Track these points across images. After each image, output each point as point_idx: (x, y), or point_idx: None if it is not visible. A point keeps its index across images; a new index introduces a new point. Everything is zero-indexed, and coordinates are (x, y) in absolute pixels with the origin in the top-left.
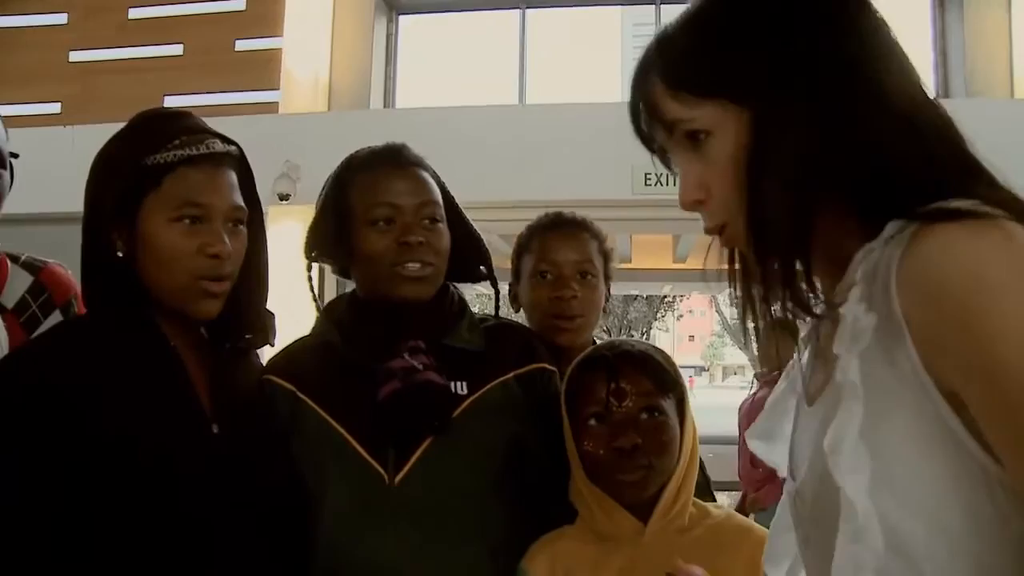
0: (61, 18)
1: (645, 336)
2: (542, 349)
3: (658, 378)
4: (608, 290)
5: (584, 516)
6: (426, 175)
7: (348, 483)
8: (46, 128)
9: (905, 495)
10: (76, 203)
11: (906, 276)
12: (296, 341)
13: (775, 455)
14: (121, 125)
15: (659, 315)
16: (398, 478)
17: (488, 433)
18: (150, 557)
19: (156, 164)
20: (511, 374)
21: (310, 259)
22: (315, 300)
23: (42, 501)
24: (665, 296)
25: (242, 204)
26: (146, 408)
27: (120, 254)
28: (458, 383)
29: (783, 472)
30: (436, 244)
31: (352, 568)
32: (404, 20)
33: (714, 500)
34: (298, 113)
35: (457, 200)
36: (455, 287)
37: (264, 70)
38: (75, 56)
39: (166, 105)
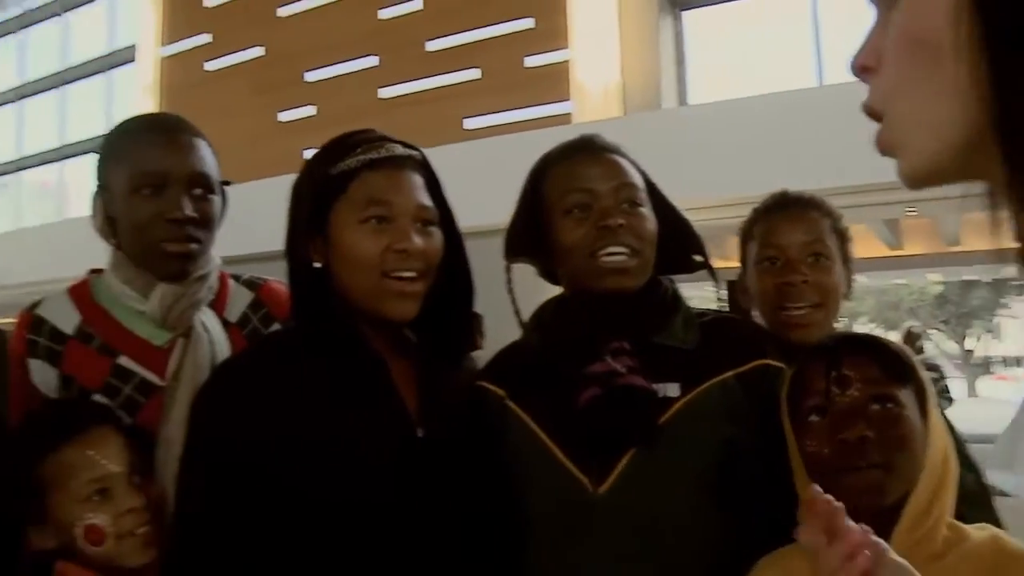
0: (373, 60)
1: (989, 324)
2: (768, 344)
3: (889, 365)
4: (850, 274)
5: None
6: (622, 160)
7: (551, 493)
8: None
9: None
10: None
11: None
12: (510, 344)
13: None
14: (428, 151)
15: (1004, 301)
16: (602, 489)
17: (701, 440)
18: (352, 558)
19: (341, 172)
20: (730, 373)
21: (509, 260)
22: (514, 303)
23: (230, 505)
24: (1011, 279)
25: (428, 204)
26: (346, 411)
27: (318, 264)
28: (669, 385)
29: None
30: (638, 228)
31: None
32: (688, 15)
33: (993, 518)
34: (592, 121)
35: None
36: (669, 280)
37: (555, 83)
38: (383, 93)
39: (465, 128)
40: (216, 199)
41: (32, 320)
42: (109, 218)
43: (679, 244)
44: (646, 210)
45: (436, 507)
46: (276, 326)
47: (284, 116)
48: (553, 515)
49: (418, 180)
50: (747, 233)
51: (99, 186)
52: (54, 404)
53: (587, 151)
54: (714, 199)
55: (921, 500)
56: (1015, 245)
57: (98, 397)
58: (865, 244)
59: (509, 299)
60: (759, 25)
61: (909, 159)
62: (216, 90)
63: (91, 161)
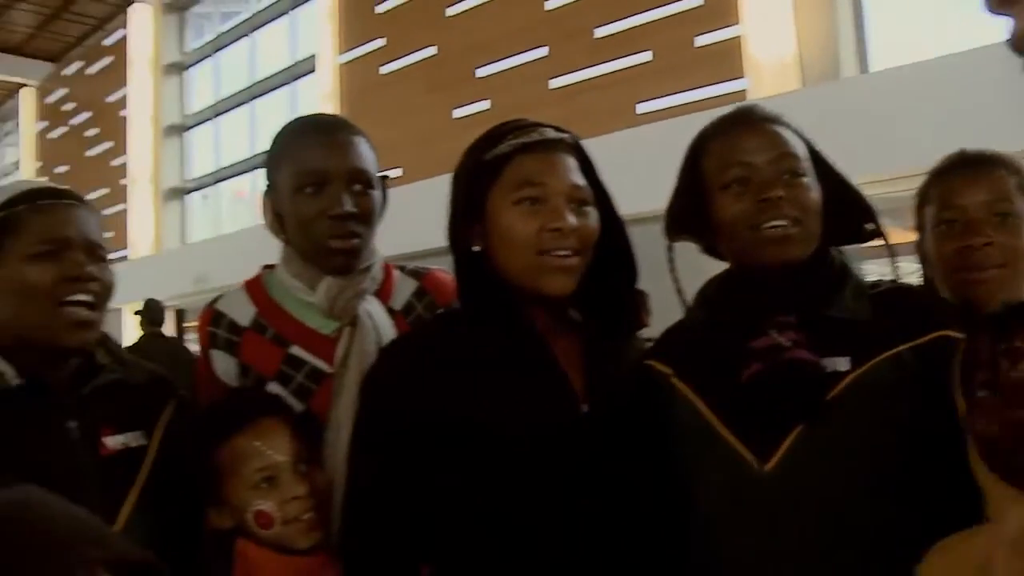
0: (543, 51)
1: None
2: (949, 314)
3: None
4: None
5: (992, 515)
6: (781, 129)
7: (717, 471)
8: None
9: None
10: None
11: None
12: (676, 323)
13: None
14: (601, 138)
15: None
16: (768, 467)
17: (872, 416)
18: (517, 532)
19: (495, 157)
20: (905, 346)
21: (671, 239)
22: (675, 282)
23: (400, 480)
24: None
25: (582, 184)
26: (509, 386)
27: (477, 248)
28: (838, 359)
29: None
30: (801, 199)
31: (722, 561)
32: None
33: None
34: (769, 96)
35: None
36: (838, 251)
37: (728, 61)
38: (554, 83)
39: (638, 112)
40: (376, 194)
41: (212, 315)
42: (277, 215)
43: (848, 213)
44: (808, 180)
45: (600, 483)
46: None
47: (458, 112)
48: (718, 494)
49: (571, 162)
50: (924, 197)
51: (268, 186)
52: (230, 395)
53: (744, 123)
54: (901, 170)
55: None
56: None
57: (273, 385)
58: None
59: (673, 280)
60: None
61: None
62: (392, 92)
63: None
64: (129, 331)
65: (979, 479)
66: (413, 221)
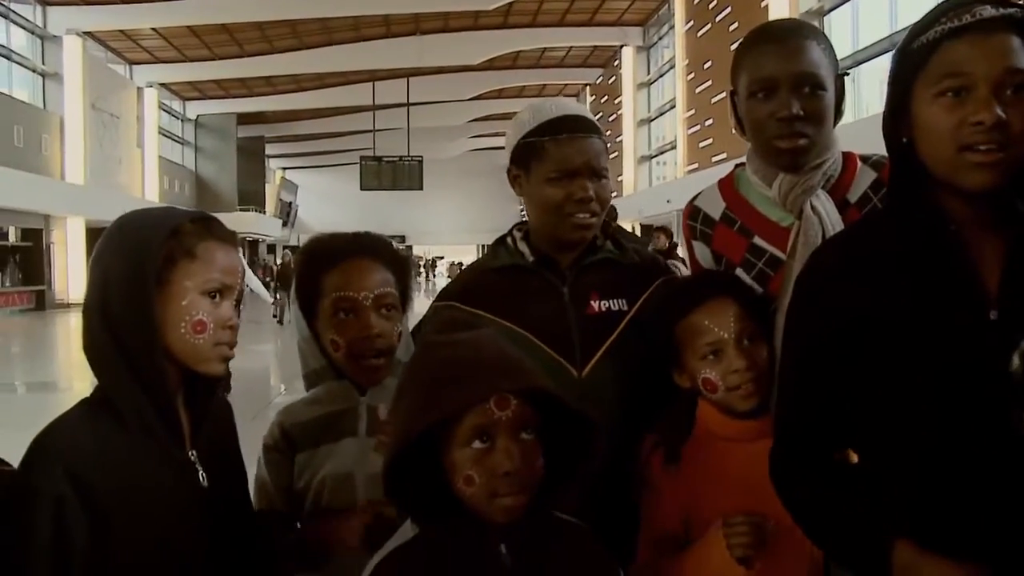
0: None
1: None
2: None
3: None
4: None
5: None
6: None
7: None
8: None
9: None
10: None
11: None
12: None
13: None
14: None
15: None
16: None
17: None
18: (923, 438)
19: (921, 45)
20: None
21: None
22: None
23: (820, 369)
24: None
25: (1020, 66)
26: (917, 287)
27: (905, 140)
28: None
29: None
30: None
31: None
32: None
33: None
34: None
35: None
36: None
37: None
38: None
39: None
40: (826, 94)
41: (692, 210)
42: (738, 119)
43: None
44: None
45: (1008, 396)
46: None
47: None
48: None
49: (1013, 42)
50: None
51: (731, 91)
52: (692, 277)
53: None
54: None
55: None
56: None
57: (739, 271)
58: None
59: None
60: None
61: None
62: None
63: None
64: None
65: None
66: None
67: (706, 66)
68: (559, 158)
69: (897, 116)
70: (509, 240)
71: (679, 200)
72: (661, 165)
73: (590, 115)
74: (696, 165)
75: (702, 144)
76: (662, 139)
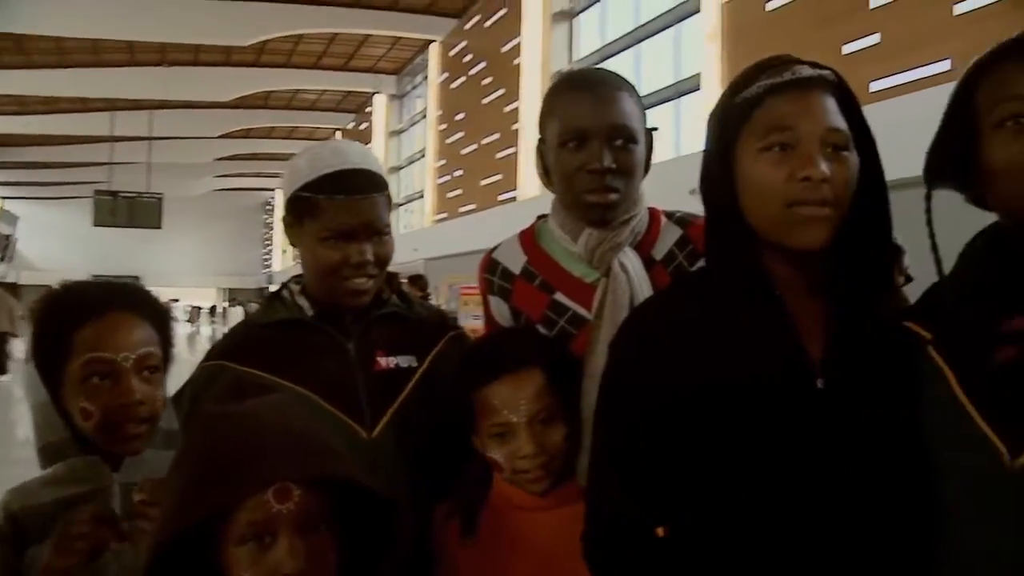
0: None
1: None
2: None
3: None
4: None
5: None
6: None
7: (963, 458)
8: (937, 89)
9: None
10: None
11: None
12: (937, 282)
13: None
14: None
15: None
16: (1019, 461)
17: None
18: (743, 505)
19: (744, 100)
20: None
21: (930, 186)
22: (931, 236)
23: (640, 440)
24: None
25: (838, 127)
26: (742, 354)
27: (724, 195)
28: None
29: None
30: None
31: (962, 558)
32: None
33: None
34: None
35: None
36: None
37: None
38: (959, 8)
39: None
40: (637, 148)
41: (489, 263)
42: (545, 168)
43: None
44: None
45: (836, 467)
46: (702, 263)
47: (848, 48)
48: (962, 484)
49: (828, 102)
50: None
51: (540, 139)
52: (495, 338)
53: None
54: None
55: None
56: None
57: (539, 328)
58: None
59: (928, 234)
60: None
61: None
62: (777, 29)
63: (663, 110)
64: None
65: None
66: None
67: (458, 117)
68: (334, 220)
69: (718, 171)
70: (286, 293)
71: (427, 249)
72: (409, 213)
73: (375, 166)
74: (445, 215)
75: (450, 194)
76: (411, 188)
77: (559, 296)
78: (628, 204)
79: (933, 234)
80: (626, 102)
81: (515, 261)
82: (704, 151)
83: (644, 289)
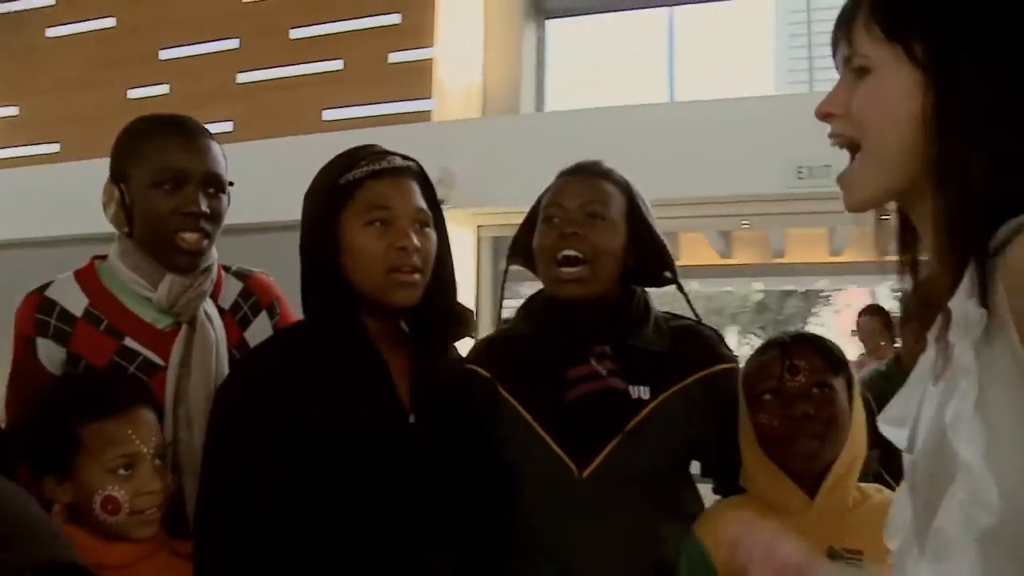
0: (233, 43)
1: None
2: (727, 349)
3: (829, 358)
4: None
5: (752, 491)
6: (603, 182)
7: (540, 473)
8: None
9: (1014, 461)
10: (246, 215)
11: (1010, 268)
12: (496, 331)
13: (903, 438)
14: (285, 139)
15: (815, 310)
16: (586, 474)
17: (667, 436)
18: (352, 535)
19: (348, 181)
20: (693, 378)
21: (509, 262)
22: (500, 300)
23: (254, 480)
24: (821, 291)
25: (424, 207)
26: (348, 398)
27: (325, 260)
28: (641, 388)
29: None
30: (593, 240)
31: (542, 546)
32: (552, 24)
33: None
34: (451, 120)
35: None
36: (642, 290)
37: (417, 80)
38: (242, 77)
39: (324, 119)
40: (224, 199)
41: (43, 302)
42: (123, 207)
43: (652, 260)
44: (603, 224)
45: (429, 483)
46: (263, 313)
47: (134, 94)
48: (540, 492)
49: (415, 187)
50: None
51: (116, 176)
52: (100, 376)
53: (574, 172)
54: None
55: (843, 465)
56: (899, 257)
57: None
58: (699, 252)
59: (498, 296)
60: (617, 39)
61: (859, 192)
62: (59, 59)
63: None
64: None
65: (750, 461)
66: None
67: None
68: None
69: (320, 241)
70: None
71: None
72: None
73: None
74: None
75: None
76: None
77: (130, 342)
78: (209, 253)
79: (502, 300)
80: (219, 152)
81: (76, 303)
82: (305, 222)
83: (222, 338)
